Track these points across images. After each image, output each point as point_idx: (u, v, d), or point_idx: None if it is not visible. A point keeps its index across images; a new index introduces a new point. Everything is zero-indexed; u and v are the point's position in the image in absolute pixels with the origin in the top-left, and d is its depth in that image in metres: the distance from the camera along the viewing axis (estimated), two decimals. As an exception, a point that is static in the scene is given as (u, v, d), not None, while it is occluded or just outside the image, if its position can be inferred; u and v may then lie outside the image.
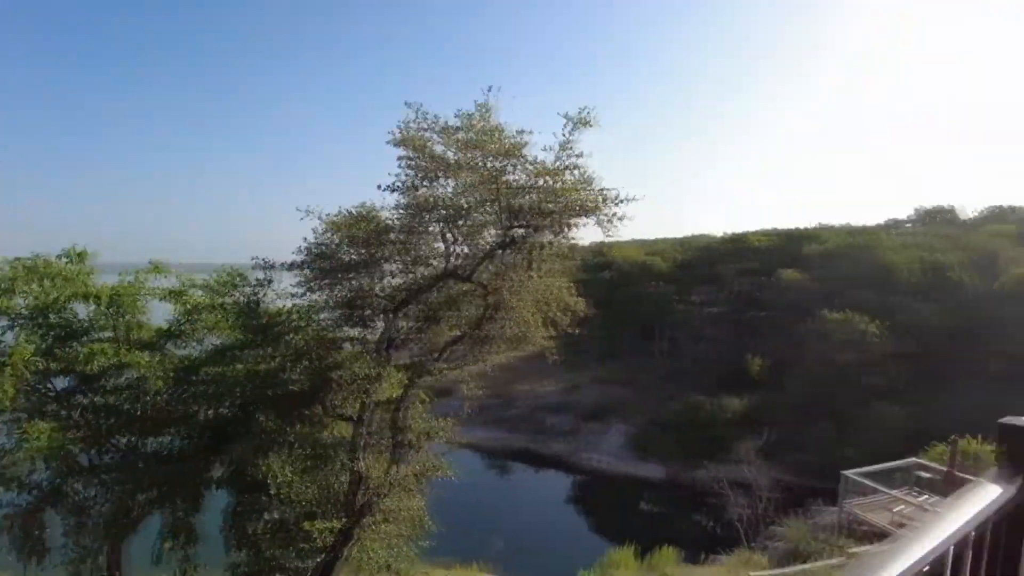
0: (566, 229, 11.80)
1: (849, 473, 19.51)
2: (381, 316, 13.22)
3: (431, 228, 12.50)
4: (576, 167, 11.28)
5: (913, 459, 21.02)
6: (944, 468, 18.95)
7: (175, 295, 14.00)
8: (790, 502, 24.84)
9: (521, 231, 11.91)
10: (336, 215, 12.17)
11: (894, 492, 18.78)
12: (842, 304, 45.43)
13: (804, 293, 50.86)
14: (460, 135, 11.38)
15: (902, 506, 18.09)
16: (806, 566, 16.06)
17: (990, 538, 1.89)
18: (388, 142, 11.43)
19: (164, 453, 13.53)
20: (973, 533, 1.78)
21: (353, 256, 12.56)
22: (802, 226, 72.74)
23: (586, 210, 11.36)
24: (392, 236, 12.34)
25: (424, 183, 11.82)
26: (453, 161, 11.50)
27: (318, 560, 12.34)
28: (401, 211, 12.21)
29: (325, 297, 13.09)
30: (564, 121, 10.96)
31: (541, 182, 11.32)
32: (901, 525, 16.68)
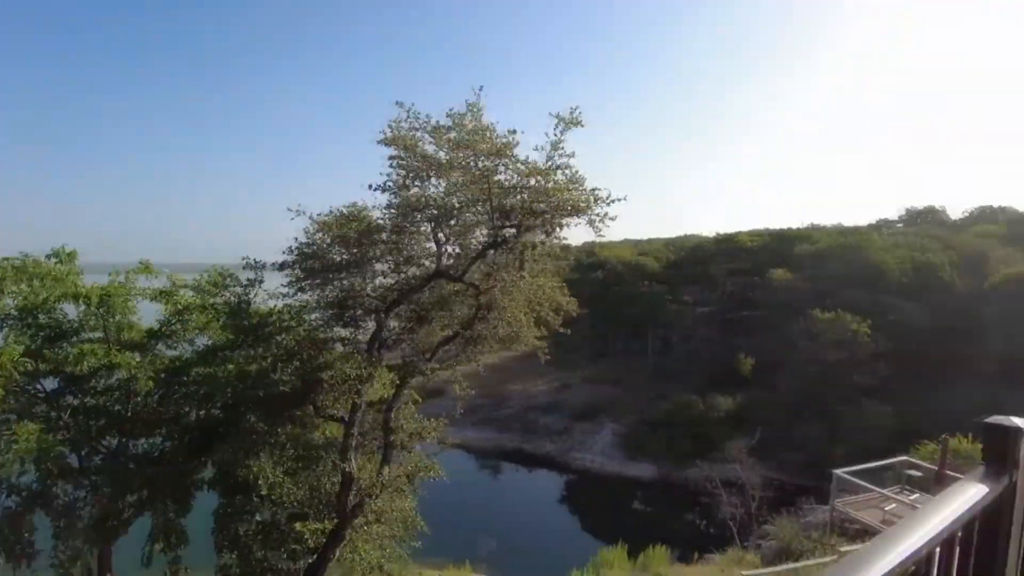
0: (557, 229, 11.76)
1: (840, 472, 19.59)
2: (372, 316, 13.15)
3: (422, 228, 12.44)
4: (567, 167, 11.25)
5: (903, 457, 21.15)
6: (934, 467, 19.04)
7: (165, 295, 13.93)
8: (781, 500, 25.00)
9: (512, 231, 11.87)
10: (326, 215, 12.09)
11: (885, 491, 18.85)
12: (832, 304, 45.68)
13: (795, 293, 51.04)
14: (451, 135, 11.31)
15: (893, 505, 18.15)
16: (797, 564, 16.11)
17: (974, 536, 1.91)
18: (379, 141, 11.35)
19: (153, 454, 13.48)
20: (960, 532, 1.79)
21: (343, 256, 12.48)
22: (794, 226, 73.21)
23: (576, 210, 11.30)
24: (383, 236, 12.27)
25: (415, 183, 11.77)
26: (444, 160, 11.44)
27: (309, 561, 12.30)
28: (392, 211, 12.15)
29: (316, 297, 13.02)
30: (555, 121, 10.94)
31: (531, 182, 11.26)
32: (892, 524, 16.69)
